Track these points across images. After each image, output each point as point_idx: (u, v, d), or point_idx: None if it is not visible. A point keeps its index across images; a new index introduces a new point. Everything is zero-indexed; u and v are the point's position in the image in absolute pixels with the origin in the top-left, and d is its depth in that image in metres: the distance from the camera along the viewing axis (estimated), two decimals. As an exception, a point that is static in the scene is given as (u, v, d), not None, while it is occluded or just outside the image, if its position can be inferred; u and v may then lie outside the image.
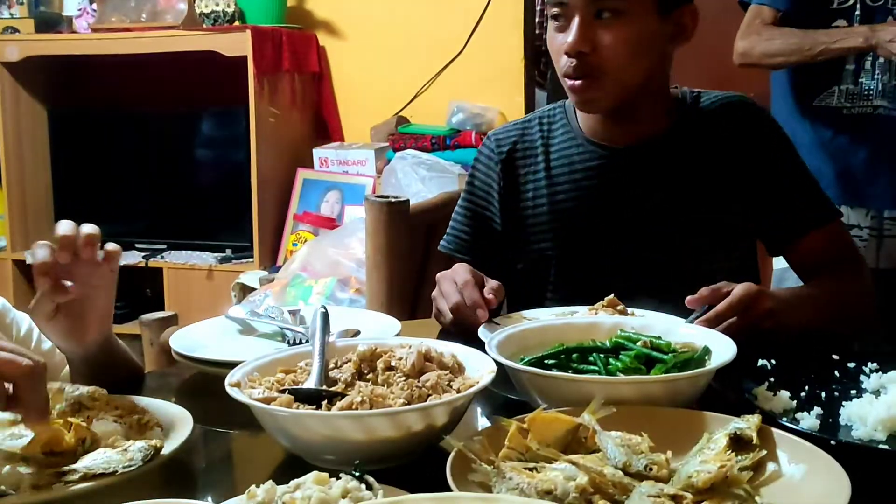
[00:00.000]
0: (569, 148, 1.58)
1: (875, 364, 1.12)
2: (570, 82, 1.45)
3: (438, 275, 1.44)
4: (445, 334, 1.38)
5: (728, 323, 1.22)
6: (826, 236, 1.53)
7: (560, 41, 1.43)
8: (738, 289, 1.25)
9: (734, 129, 1.54)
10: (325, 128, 3.81)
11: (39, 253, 1.08)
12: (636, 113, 1.51)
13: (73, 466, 0.88)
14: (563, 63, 1.44)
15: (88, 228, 1.10)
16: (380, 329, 1.34)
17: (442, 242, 1.68)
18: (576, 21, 1.40)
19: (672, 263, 1.51)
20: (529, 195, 1.59)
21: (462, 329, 1.35)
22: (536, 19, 3.55)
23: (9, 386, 0.88)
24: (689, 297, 1.26)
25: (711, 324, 1.21)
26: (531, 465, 0.83)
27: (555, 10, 1.43)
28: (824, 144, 2.22)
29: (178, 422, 0.99)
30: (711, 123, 1.55)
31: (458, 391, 0.97)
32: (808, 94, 2.24)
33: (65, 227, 1.08)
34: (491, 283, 1.38)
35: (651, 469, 0.81)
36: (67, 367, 1.30)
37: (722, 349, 1.06)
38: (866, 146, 2.19)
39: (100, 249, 1.12)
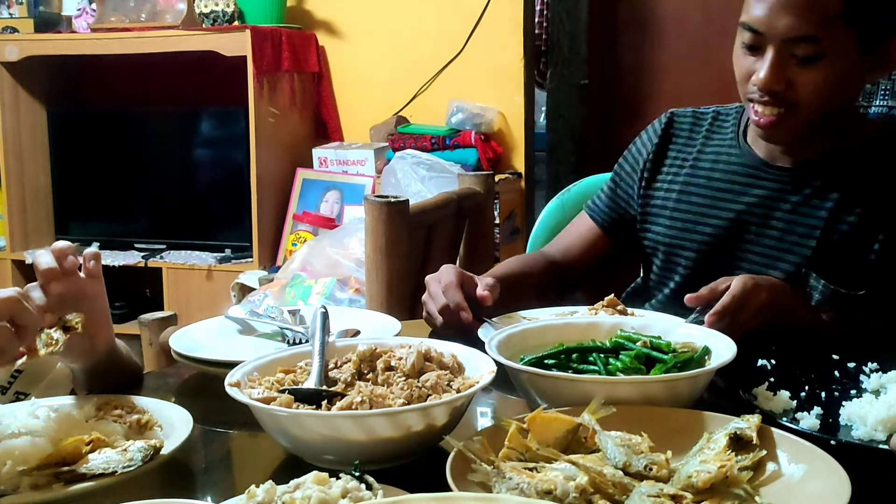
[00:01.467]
0: (724, 147, 1.55)
1: (875, 364, 1.12)
2: (756, 116, 1.40)
3: (427, 278, 1.42)
4: (438, 335, 1.38)
5: (726, 323, 1.22)
6: None
7: (749, 66, 1.38)
8: (735, 284, 1.24)
9: None
10: (324, 128, 3.81)
11: (43, 260, 1.07)
12: (809, 136, 1.43)
13: (73, 466, 0.88)
14: (749, 90, 1.39)
15: (60, 244, 1.10)
16: (379, 329, 1.34)
17: (588, 202, 1.71)
18: (770, 55, 1.34)
19: None
20: (668, 178, 1.59)
21: (454, 331, 1.34)
22: (536, 19, 3.55)
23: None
24: (688, 296, 1.26)
25: (720, 318, 1.21)
26: (531, 465, 0.83)
27: (747, 36, 1.37)
28: None
29: (178, 422, 0.99)
30: (886, 166, 1.43)
31: (458, 391, 0.97)
32: None
33: (44, 259, 1.07)
34: (485, 281, 1.37)
35: (651, 469, 0.81)
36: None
37: (722, 349, 1.06)
38: None
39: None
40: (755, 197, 1.49)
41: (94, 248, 1.15)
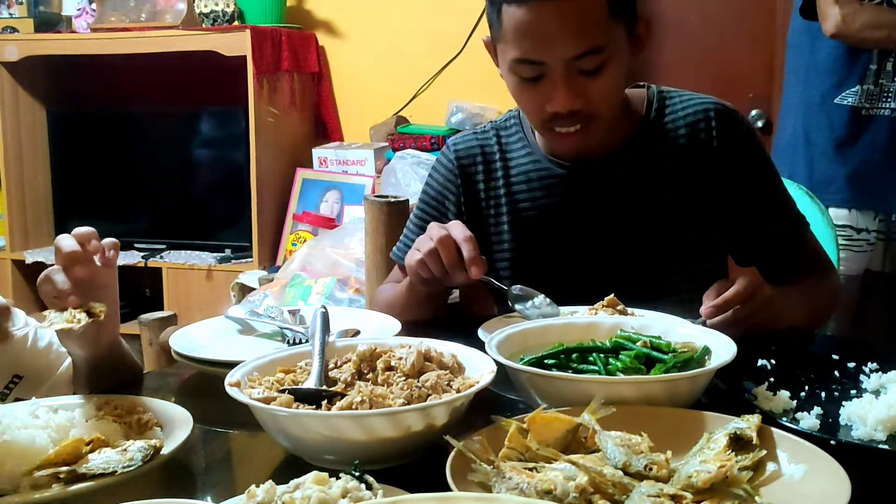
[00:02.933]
0: (527, 164, 1.54)
1: (875, 364, 1.12)
2: (559, 136, 1.41)
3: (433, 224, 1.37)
4: (443, 331, 1.37)
5: (735, 310, 1.23)
6: (796, 250, 1.53)
7: (537, 98, 1.38)
8: (743, 277, 1.25)
9: (703, 138, 1.48)
10: (324, 128, 3.81)
11: (66, 243, 1.08)
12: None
13: (73, 466, 0.88)
14: (544, 117, 1.39)
15: (82, 229, 1.11)
16: (379, 329, 1.34)
17: (394, 250, 1.64)
18: (558, 78, 1.34)
19: (636, 279, 1.45)
20: (491, 211, 1.56)
21: (432, 275, 1.33)
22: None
23: None
24: (703, 308, 1.25)
25: (720, 310, 1.23)
26: (531, 464, 0.83)
27: (526, 69, 1.36)
28: (839, 144, 2.20)
29: (178, 422, 0.99)
30: (677, 130, 1.50)
31: (458, 391, 0.97)
32: (830, 90, 2.21)
33: (67, 242, 1.08)
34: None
35: (651, 469, 0.81)
36: (64, 366, 1.30)
37: (722, 349, 1.06)
38: (880, 149, 2.18)
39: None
40: (590, 201, 1.50)
41: (112, 238, 1.15)
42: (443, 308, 1.55)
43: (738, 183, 1.48)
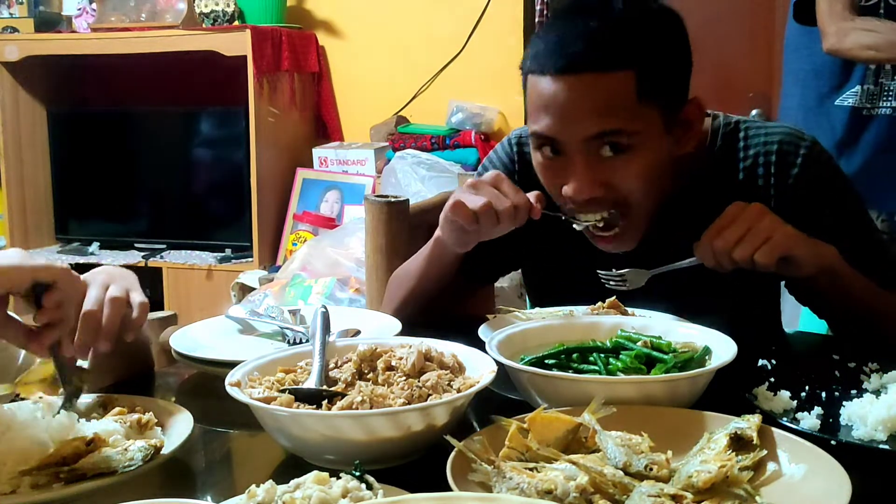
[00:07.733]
0: None
1: (875, 364, 1.12)
2: (594, 237, 1.31)
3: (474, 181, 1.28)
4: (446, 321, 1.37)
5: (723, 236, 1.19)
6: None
7: (552, 175, 1.28)
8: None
9: (761, 183, 1.36)
10: (324, 127, 3.81)
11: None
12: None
13: (73, 466, 0.88)
14: (562, 201, 1.29)
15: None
16: (380, 329, 1.34)
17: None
18: (578, 162, 1.24)
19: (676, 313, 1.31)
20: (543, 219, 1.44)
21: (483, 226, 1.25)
22: (536, 19, 3.55)
23: None
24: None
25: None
26: (531, 464, 0.83)
27: (544, 143, 1.27)
28: (840, 145, 2.20)
29: (178, 422, 0.99)
30: (738, 172, 1.38)
31: (458, 391, 0.97)
32: (830, 93, 2.21)
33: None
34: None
35: (651, 469, 0.81)
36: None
37: (722, 349, 1.06)
38: (883, 148, 2.18)
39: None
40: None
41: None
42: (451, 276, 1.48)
43: (812, 224, 1.29)
